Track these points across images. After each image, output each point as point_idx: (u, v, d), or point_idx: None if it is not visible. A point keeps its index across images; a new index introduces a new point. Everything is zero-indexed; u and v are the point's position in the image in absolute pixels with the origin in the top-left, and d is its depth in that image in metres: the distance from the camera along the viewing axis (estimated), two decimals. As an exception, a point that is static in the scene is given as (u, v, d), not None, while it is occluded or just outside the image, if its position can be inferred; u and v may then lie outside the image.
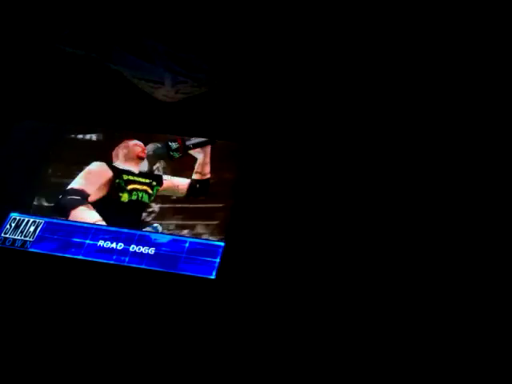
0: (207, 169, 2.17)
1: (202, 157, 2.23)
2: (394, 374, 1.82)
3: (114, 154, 2.23)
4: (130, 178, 2.10)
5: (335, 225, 2.17)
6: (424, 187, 2.22)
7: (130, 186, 2.09)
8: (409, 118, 2.37)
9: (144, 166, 2.21)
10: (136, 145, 2.22)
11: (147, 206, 2.12)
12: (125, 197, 2.05)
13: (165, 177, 2.16)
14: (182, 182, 2.19)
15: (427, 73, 2.35)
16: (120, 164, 2.15)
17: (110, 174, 2.03)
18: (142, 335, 1.94)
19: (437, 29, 2.24)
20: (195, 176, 2.17)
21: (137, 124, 2.55)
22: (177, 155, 2.18)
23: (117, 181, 2.04)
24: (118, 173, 2.10)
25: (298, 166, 2.34)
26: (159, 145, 2.25)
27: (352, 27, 2.31)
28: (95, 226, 2.21)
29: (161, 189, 2.16)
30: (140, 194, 2.04)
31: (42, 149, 2.48)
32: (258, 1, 2.31)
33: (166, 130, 2.54)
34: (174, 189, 2.14)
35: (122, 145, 2.23)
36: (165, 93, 2.50)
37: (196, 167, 2.22)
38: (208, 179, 2.19)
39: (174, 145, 2.18)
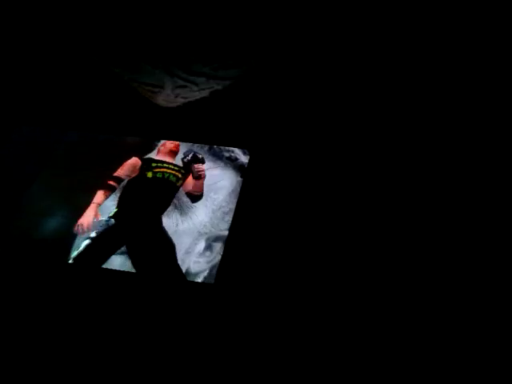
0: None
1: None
2: (394, 374, 1.83)
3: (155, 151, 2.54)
4: (159, 164, 2.42)
5: (335, 229, 2.18)
6: (428, 190, 2.23)
7: (157, 170, 2.40)
8: (415, 123, 2.37)
9: (179, 160, 2.49)
10: (171, 142, 2.53)
11: (174, 185, 2.40)
12: (149, 174, 2.38)
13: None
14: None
15: (428, 73, 2.35)
16: (153, 156, 2.49)
17: (139, 162, 2.42)
18: (142, 340, 1.95)
19: (437, 29, 2.23)
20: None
21: (137, 129, 2.57)
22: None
23: (144, 166, 2.41)
24: (147, 161, 2.44)
25: (298, 171, 2.35)
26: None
27: (356, 32, 2.30)
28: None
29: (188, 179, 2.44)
30: (166, 175, 2.39)
31: (41, 154, 2.51)
32: (262, 4, 2.30)
33: (165, 135, 2.56)
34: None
35: (161, 143, 2.54)
36: (164, 97, 2.50)
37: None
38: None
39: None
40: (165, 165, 2.41)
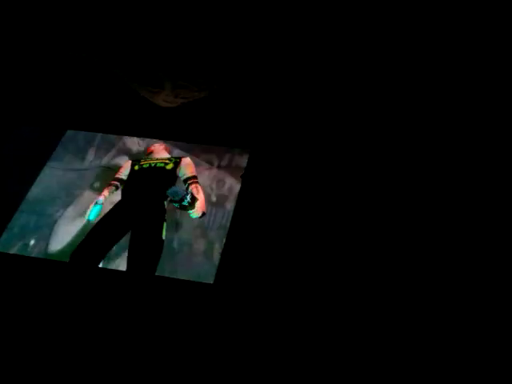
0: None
1: None
2: (394, 374, 1.83)
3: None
4: (147, 158, 2.58)
5: (333, 230, 2.17)
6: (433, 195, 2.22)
7: (144, 162, 2.56)
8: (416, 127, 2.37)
9: (166, 155, 2.61)
10: (151, 145, 2.66)
11: (164, 169, 2.51)
12: (136, 167, 2.54)
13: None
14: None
15: (428, 73, 2.35)
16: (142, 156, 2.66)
17: (129, 162, 2.59)
18: (140, 340, 1.94)
19: (437, 29, 2.23)
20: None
21: (137, 129, 2.58)
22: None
23: (133, 163, 2.58)
24: (135, 160, 2.60)
25: (297, 172, 2.35)
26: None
27: (353, 30, 2.30)
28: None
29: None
30: (153, 164, 2.54)
31: (41, 154, 2.51)
32: (259, 4, 2.30)
33: (165, 135, 2.57)
34: None
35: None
36: (164, 97, 2.50)
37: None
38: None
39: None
40: (153, 159, 2.56)
